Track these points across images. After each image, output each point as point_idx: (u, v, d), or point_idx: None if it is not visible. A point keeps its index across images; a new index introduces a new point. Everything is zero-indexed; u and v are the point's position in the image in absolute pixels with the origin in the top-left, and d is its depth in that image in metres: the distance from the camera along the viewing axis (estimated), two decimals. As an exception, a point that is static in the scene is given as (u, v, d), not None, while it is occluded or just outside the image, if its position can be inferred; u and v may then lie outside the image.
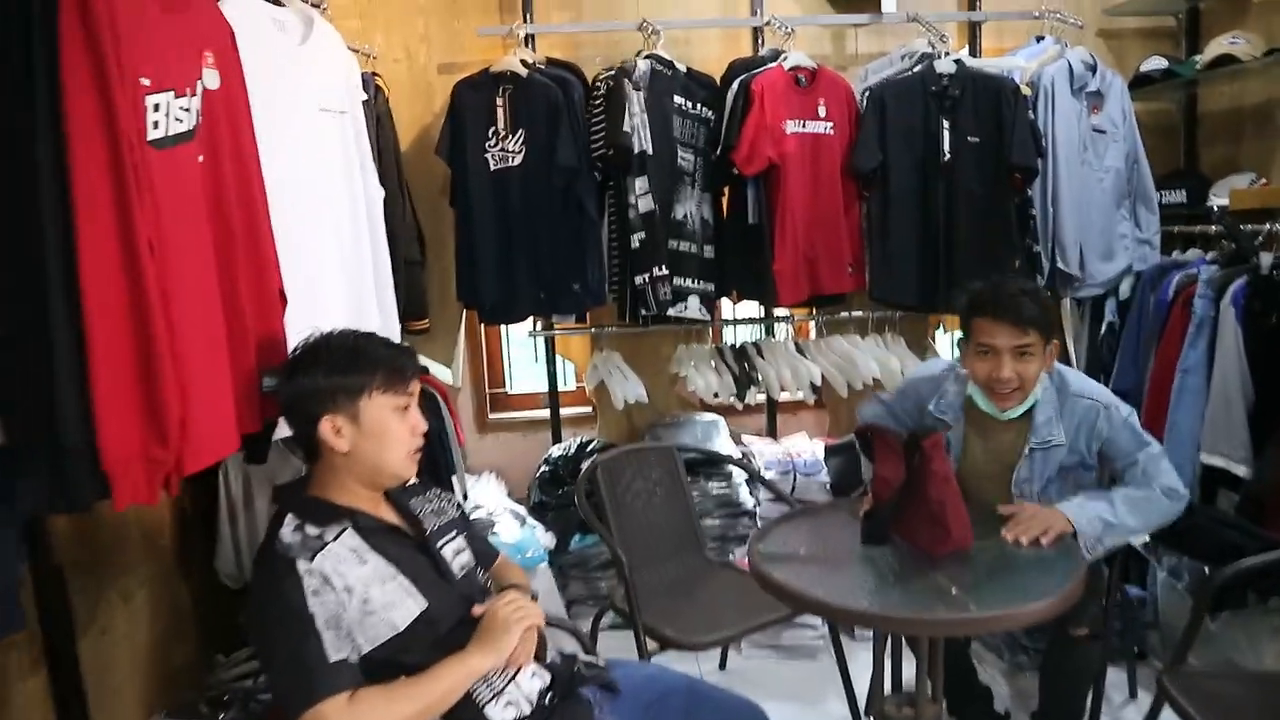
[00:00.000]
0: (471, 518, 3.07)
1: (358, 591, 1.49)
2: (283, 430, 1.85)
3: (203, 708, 2.19)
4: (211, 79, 1.54)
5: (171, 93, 1.39)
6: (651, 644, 2.40)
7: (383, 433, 1.57)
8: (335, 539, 1.52)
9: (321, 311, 1.96)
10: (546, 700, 1.65)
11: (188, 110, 1.44)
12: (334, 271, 2.05)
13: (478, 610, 1.61)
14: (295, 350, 1.61)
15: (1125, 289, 3.35)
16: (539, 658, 1.69)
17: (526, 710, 1.60)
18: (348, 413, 1.55)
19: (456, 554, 1.71)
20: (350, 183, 2.10)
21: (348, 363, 1.56)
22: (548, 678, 1.68)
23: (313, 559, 1.47)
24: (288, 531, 1.51)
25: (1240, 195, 3.11)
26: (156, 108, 1.35)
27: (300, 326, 1.83)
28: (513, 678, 1.61)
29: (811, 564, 1.91)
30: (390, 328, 2.25)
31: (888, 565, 1.88)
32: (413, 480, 1.81)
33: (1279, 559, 2.18)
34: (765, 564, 1.86)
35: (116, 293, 1.23)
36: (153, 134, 1.35)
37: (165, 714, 2.20)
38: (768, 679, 2.93)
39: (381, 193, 2.58)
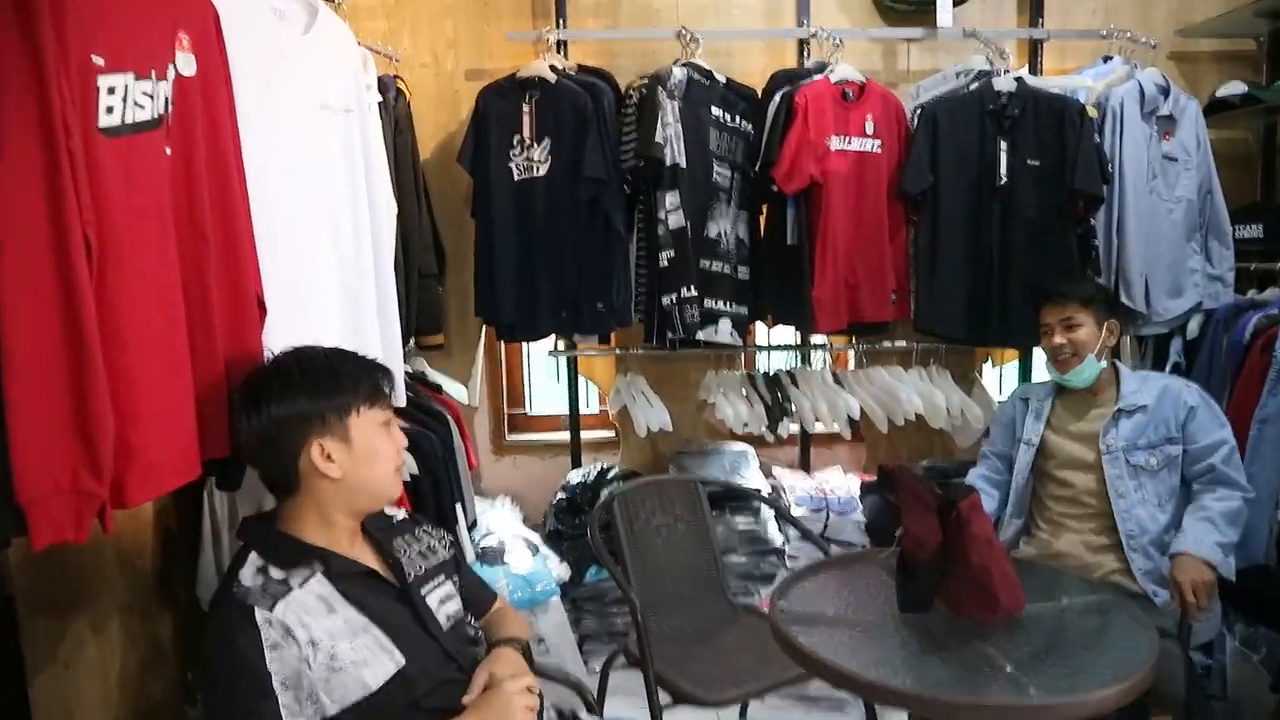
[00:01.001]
0: (481, 545, 2.90)
1: (324, 646, 1.31)
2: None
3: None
4: (186, 64, 1.38)
5: (132, 75, 1.23)
6: (665, 696, 2.20)
7: (375, 451, 1.43)
8: (301, 585, 1.34)
9: (313, 325, 1.79)
10: None
11: (152, 96, 1.28)
12: (330, 283, 1.88)
13: (468, 697, 1.43)
14: (258, 378, 1.43)
15: (1193, 328, 3.11)
16: None
17: None
18: (337, 434, 1.39)
19: (443, 602, 1.53)
20: (353, 186, 1.94)
21: (330, 381, 1.41)
22: None
23: (273, 607, 1.29)
24: (248, 574, 1.34)
25: (1327, 230, 2.86)
26: (111, 90, 1.19)
27: (289, 342, 1.69)
28: None
29: (841, 628, 1.70)
30: (392, 345, 2.07)
31: (927, 632, 1.67)
32: (400, 516, 1.64)
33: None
34: (789, 625, 1.65)
35: (42, 295, 1.07)
36: (105, 120, 1.19)
37: (134, 752, 2.04)
38: (790, 733, 2.72)
39: (394, 202, 2.44)
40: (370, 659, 1.34)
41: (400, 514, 1.66)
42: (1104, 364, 2.34)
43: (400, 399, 2.06)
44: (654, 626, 2.36)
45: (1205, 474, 2.23)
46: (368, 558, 1.47)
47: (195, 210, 1.41)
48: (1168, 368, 3.11)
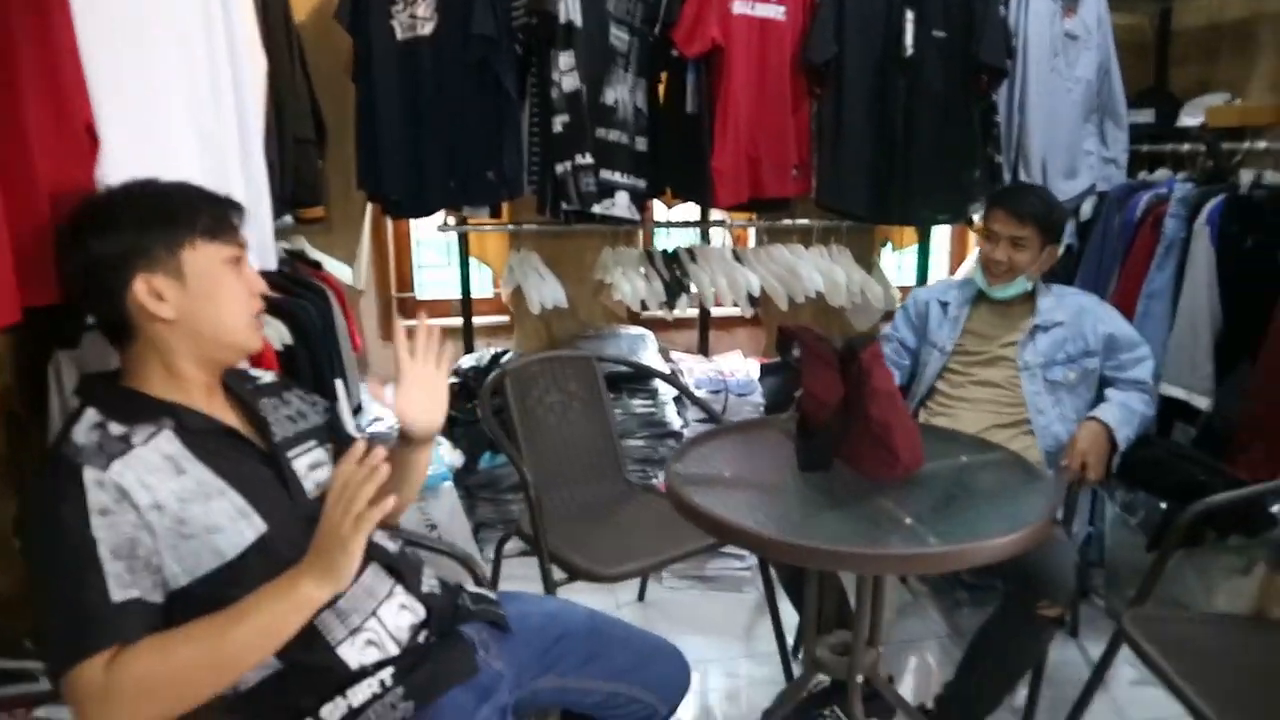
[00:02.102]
0: (370, 432, 2.76)
1: (171, 510, 1.16)
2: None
3: (28, 643, 1.86)
4: None
5: None
6: (560, 574, 2.14)
7: (218, 289, 1.26)
8: (145, 442, 1.19)
9: (167, 168, 1.60)
10: (420, 638, 1.36)
11: None
12: (182, 123, 1.67)
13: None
14: (80, 209, 1.25)
15: (1087, 210, 3.15)
16: (411, 587, 1.40)
17: (393, 650, 1.31)
18: (167, 268, 1.22)
19: (312, 468, 1.38)
20: (207, 10, 1.72)
21: (158, 210, 1.23)
22: (422, 612, 1.38)
23: (107, 467, 1.13)
24: (82, 430, 1.17)
25: (1218, 113, 2.90)
26: None
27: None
28: (374, 612, 1.32)
29: (738, 488, 1.65)
30: (259, 199, 1.88)
31: (827, 490, 1.63)
32: (267, 378, 1.49)
33: (1246, 497, 2.03)
34: (685, 487, 1.59)
35: None
36: None
37: (-22, 651, 1.87)
38: (690, 612, 2.73)
39: (260, 51, 2.21)
40: (226, 525, 1.20)
41: (268, 376, 1.51)
42: (1030, 285, 2.28)
43: (269, 260, 1.89)
44: (548, 505, 2.29)
45: (1134, 384, 2.23)
46: (228, 416, 1.32)
47: None
48: (1060, 249, 3.14)
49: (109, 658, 1.07)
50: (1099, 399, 2.25)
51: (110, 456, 1.15)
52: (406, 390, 1.41)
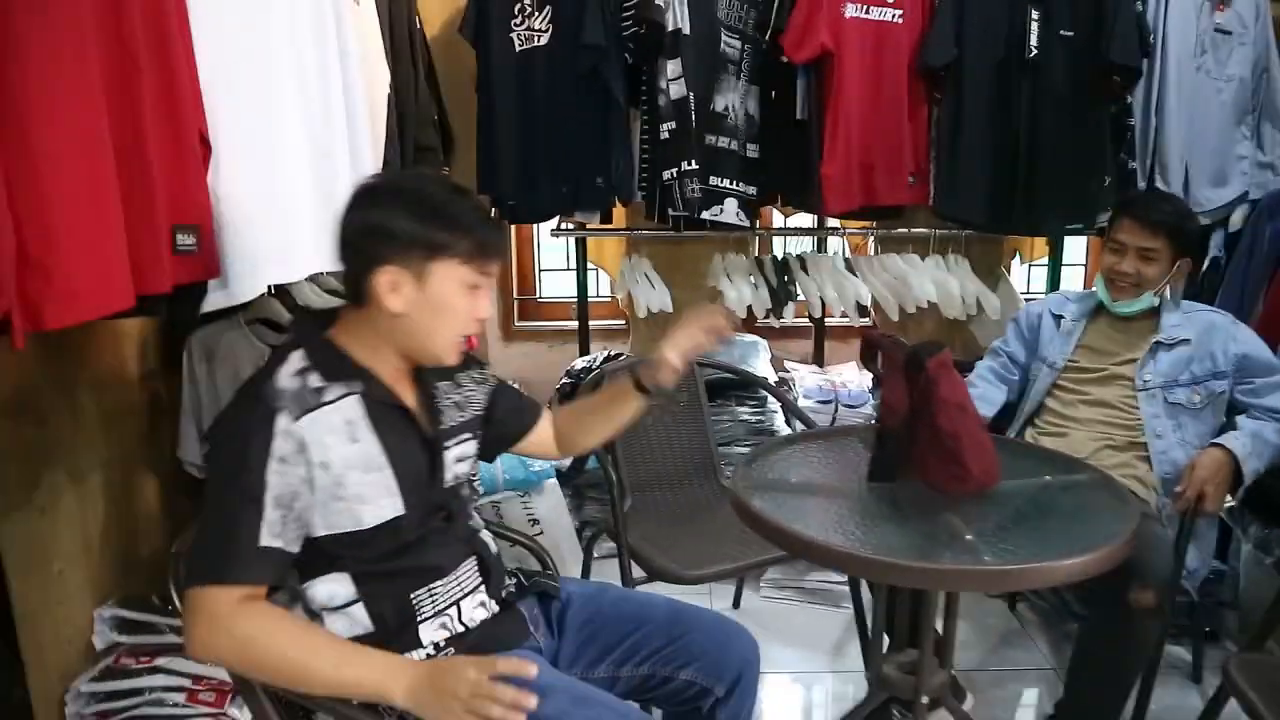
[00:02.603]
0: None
1: (334, 471, 1.25)
2: (215, 301, 1.66)
3: (155, 599, 2.07)
4: None
5: None
6: (641, 573, 2.17)
7: (446, 307, 1.31)
8: (335, 401, 1.28)
9: (275, 175, 1.74)
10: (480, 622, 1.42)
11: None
12: (292, 128, 1.80)
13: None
14: (379, 180, 1.36)
15: (1237, 220, 2.91)
16: (493, 591, 1.45)
17: (459, 630, 1.38)
18: (414, 270, 1.28)
19: (459, 460, 1.45)
20: (319, 25, 1.86)
21: (435, 214, 1.29)
22: (496, 611, 1.45)
23: (299, 418, 1.23)
24: (287, 373, 1.27)
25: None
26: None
27: (246, 189, 1.64)
28: (458, 601, 1.39)
29: (801, 494, 1.64)
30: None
31: (893, 502, 1.59)
32: None
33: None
34: (746, 491, 1.58)
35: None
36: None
37: (115, 602, 2.08)
38: (784, 623, 2.70)
39: (383, 64, 2.35)
40: (373, 498, 1.28)
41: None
42: (1157, 300, 2.13)
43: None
44: (639, 505, 2.33)
45: (1269, 412, 2.04)
46: (407, 394, 1.39)
47: (124, 32, 1.34)
48: (1205, 264, 2.93)
49: (240, 597, 1.18)
50: (1228, 426, 2.09)
51: (304, 409, 1.24)
52: (678, 346, 1.54)
